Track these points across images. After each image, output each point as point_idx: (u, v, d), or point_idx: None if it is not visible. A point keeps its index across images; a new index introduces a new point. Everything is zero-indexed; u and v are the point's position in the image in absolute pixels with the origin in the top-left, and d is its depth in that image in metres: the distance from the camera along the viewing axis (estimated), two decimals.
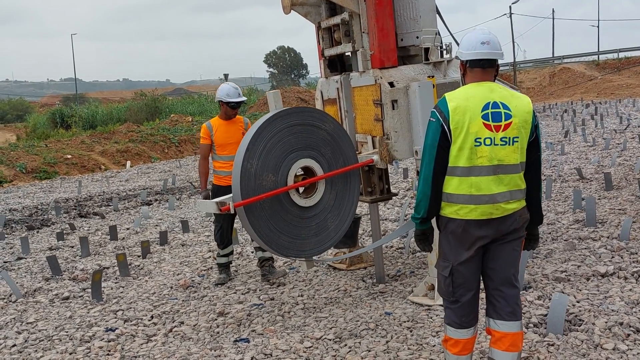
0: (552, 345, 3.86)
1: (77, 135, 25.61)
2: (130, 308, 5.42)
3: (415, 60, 5.37)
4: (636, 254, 5.56)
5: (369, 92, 5.20)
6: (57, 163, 19.66)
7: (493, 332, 3.23)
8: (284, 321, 4.86)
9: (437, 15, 5.30)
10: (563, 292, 4.71)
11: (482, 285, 3.28)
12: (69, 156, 20.39)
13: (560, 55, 53.63)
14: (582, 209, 7.49)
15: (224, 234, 6.02)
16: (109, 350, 4.45)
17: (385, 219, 8.22)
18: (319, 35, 5.81)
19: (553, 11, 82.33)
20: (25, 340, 4.76)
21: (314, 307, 5.12)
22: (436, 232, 3.36)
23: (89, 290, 5.93)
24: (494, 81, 3.23)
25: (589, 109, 26.48)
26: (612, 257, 5.55)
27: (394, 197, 7.67)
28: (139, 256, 7.54)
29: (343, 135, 4.86)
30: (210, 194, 5.89)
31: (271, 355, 4.11)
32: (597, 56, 49.01)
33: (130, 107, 36.14)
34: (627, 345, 3.80)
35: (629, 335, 3.91)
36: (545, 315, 4.26)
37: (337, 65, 5.85)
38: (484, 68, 3.18)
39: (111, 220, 10.49)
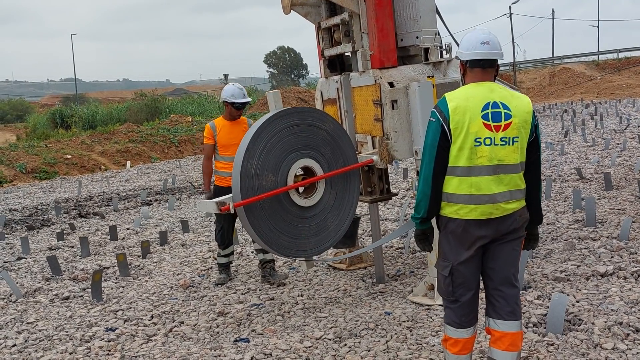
0: (552, 344, 3.86)
1: (77, 135, 25.61)
2: (130, 308, 5.42)
3: (415, 61, 5.38)
4: (636, 253, 5.56)
5: (369, 92, 5.20)
6: (57, 163, 19.66)
7: (493, 332, 3.23)
8: (283, 321, 4.86)
9: (436, 15, 5.30)
10: (563, 292, 4.72)
11: (481, 285, 3.29)
12: (69, 156, 20.39)
13: (560, 56, 53.66)
14: (581, 208, 7.50)
15: (225, 235, 6.02)
16: (109, 350, 4.45)
17: (385, 219, 8.23)
18: (319, 36, 5.82)
19: (553, 11, 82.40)
20: (26, 340, 4.76)
21: (314, 307, 5.12)
22: (436, 232, 3.36)
23: (89, 290, 5.94)
24: (494, 81, 3.23)
25: (588, 109, 26.49)
26: (612, 257, 5.55)
27: (393, 197, 7.67)
28: (139, 256, 7.54)
29: (343, 135, 4.86)
30: (213, 194, 5.88)
31: (271, 355, 4.12)
32: (597, 56, 49.03)
33: (130, 107, 36.13)
34: (627, 345, 3.80)
35: (628, 334, 3.92)
36: (545, 315, 4.26)
37: (337, 65, 5.85)
38: (484, 68, 3.18)
39: (111, 220, 10.49)
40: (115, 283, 6.35)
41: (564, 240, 6.30)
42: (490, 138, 3.06)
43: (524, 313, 4.31)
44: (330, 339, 4.31)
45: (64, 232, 9.44)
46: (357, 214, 6.52)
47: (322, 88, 6.02)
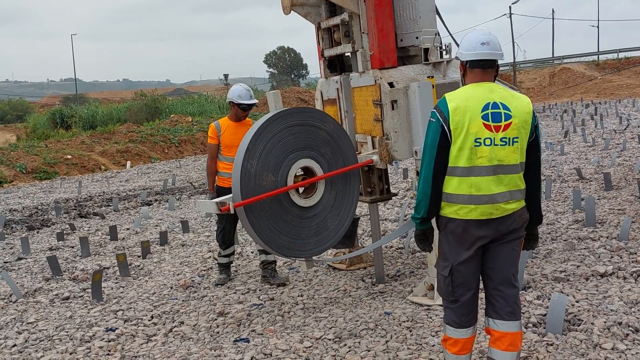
0: (551, 345, 3.87)
1: (77, 135, 25.61)
2: (131, 308, 5.43)
3: (415, 61, 5.38)
4: (635, 254, 5.57)
5: (369, 93, 5.21)
6: (57, 163, 19.67)
7: (492, 332, 3.24)
8: (283, 321, 4.86)
9: (436, 15, 5.31)
10: (562, 292, 4.72)
11: (481, 285, 3.29)
12: (69, 156, 20.40)
13: (560, 56, 53.68)
14: (581, 209, 7.50)
15: (226, 235, 6.00)
16: (109, 350, 4.46)
17: (385, 219, 8.23)
18: (319, 36, 5.82)
19: (553, 11, 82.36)
20: (26, 340, 4.77)
21: (314, 307, 5.13)
22: (436, 232, 3.36)
23: (89, 290, 5.94)
24: (494, 81, 3.24)
25: (588, 109, 26.50)
26: (611, 257, 5.56)
27: (393, 197, 7.67)
28: (139, 256, 7.55)
29: (343, 135, 4.86)
30: (217, 195, 5.85)
31: (271, 355, 4.12)
32: (597, 56, 49.06)
33: (130, 107, 36.10)
34: (626, 345, 3.81)
35: (627, 335, 3.92)
36: (545, 315, 4.26)
37: (336, 65, 5.85)
38: (484, 68, 3.19)
39: (111, 221, 10.50)
40: (116, 283, 6.36)
41: (564, 240, 6.31)
42: (490, 138, 3.07)
43: (523, 313, 4.32)
44: (330, 339, 4.31)
45: (64, 232, 9.45)
46: (357, 215, 6.52)
47: (322, 88, 6.02)
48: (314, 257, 4.78)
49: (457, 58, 3.44)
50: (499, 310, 3.21)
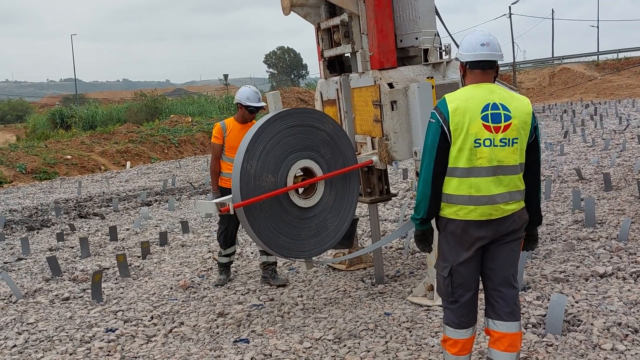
0: (551, 345, 3.87)
1: (76, 135, 25.61)
2: (130, 309, 5.43)
3: (415, 61, 5.39)
4: (635, 254, 5.57)
5: (369, 93, 5.21)
6: (57, 164, 19.67)
7: (492, 333, 3.24)
8: (283, 322, 4.87)
9: (436, 16, 5.31)
10: (562, 293, 4.72)
11: (481, 286, 3.30)
12: (69, 157, 20.40)
13: (560, 56, 53.69)
14: (581, 209, 7.50)
15: (228, 236, 5.98)
16: (109, 351, 4.46)
17: (385, 220, 8.24)
18: (319, 36, 5.82)
19: (553, 11, 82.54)
20: (26, 341, 4.77)
21: (314, 308, 5.13)
22: (436, 233, 3.37)
23: (89, 290, 5.94)
24: (493, 82, 3.24)
25: (588, 110, 26.51)
26: (611, 257, 5.56)
27: (393, 198, 7.67)
28: (138, 257, 7.55)
29: (342, 136, 4.87)
30: (220, 195, 5.82)
31: (271, 355, 4.12)
32: (596, 56, 49.07)
33: (130, 107, 36.09)
34: (626, 346, 3.81)
35: (627, 335, 3.93)
36: (544, 315, 4.27)
37: (336, 66, 5.85)
38: (483, 69, 3.19)
39: (111, 221, 10.50)
40: (115, 284, 6.36)
41: (563, 240, 6.31)
42: (489, 139, 3.07)
43: (523, 314, 4.32)
44: (329, 340, 4.32)
45: (64, 232, 9.45)
46: (356, 215, 6.53)
47: (322, 89, 6.02)
48: (313, 258, 4.78)
49: (456, 59, 3.45)
50: (498, 311, 3.21)
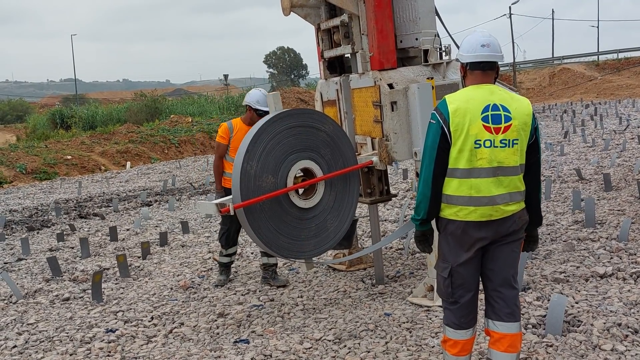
0: (551, 346, 3.87)
1: (77, 136, 25.61)
2: (131, 309, 5.43)
3: (415, 62, 5.39)
4: (635, 254, 5.57)
5: (369, 94, 5.21)
6: (57, 164, 19.67)
7: (492, 333, 3.24)
8: (283, 322, 4.87)
9: (436, 16, 5.31)
10: (562, 293, 4.73)
11: (481, 286, 3.30)
12: (69, 157, 20.40)
13: (560, 56, 53.68)
14: (581, 209, 7.50)
15: (230, 237, 5.96)
16: (109, 352, 4.46)
17: (385, 220, 8.24)
18: (319, 37, 5.83)
19: (553, 11, 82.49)
20: (26, 341, 4.77)
21: (314, 308, 5.13)
22: (436, 234, 3.37)
23: (89, 291, 5.94)
24: (494, 83, 3.24)
25: (588, 110, 26.51)
26: (611, 258, 5.56)
27: (393, 198, 7.68)
28: (139, 257, 7.55)
29: (342, 136, 4.87)
30: (224, 195, 5.80)
31: (271, 356, 4.13)
32: (596, 57, 49.07)
33: (130, 107, 36.10)
34: (625, 346, 3.81)
35: (627, 336, 3.93)
36: (544, 316, 4.27)
37: (336, 66, 5.86)
38: (484, 70, 3.20)
39: (111, 221, 10.50)
40: (116, 284, 6.36)
41: (564, 241, 6.31)
42: (490, 140, 3.07)
43: (523, 314, 4.32)
44: (329, 340, 4.32)
45: (64, 233, 9.45)
46: (355, 216, 6.53)
47: (322, 89, 6.03)
48: (313, 259, 4.78)
49: (457, 60, 3.45)
50: (498, 312, 3.21)
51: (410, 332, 4.34)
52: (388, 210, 8.99)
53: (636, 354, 3.71)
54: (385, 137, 5.05)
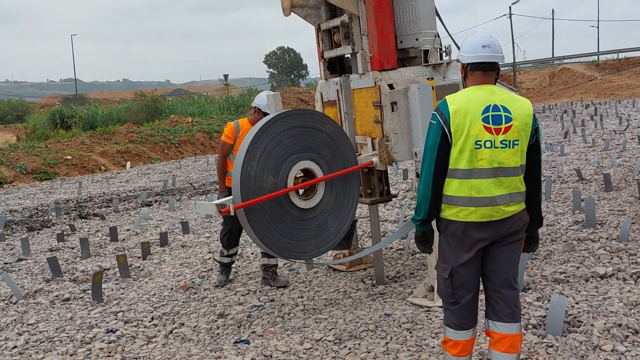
0: (551, 346, 3.87)
1: (77, 136, 25.63)
2: (131, 309, 5.43)
3: (415, 62, 5.39)
4: (635, 255, 5.57)
5: (369, 94, 5.21)
6: (57, 164, 19.67)
7: (492, 334, 3.24)
8: (283, 322, 4.87)
9: (436, 17, 5.31)
10: (562, 294, 4.73)
11: (481, 287, 3.30)
12: (69, 157, 20.41)
13: (560, 56, 53.70)
14: (581, 210, 7.50)
15: (232, 237, 5.95)
16: (110, 352, 4.46)
17: (385, 220, 8.24)
18: (319, 37, 5.83)
19: (553, 12, 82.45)
20: (26, 342, 4.77)
21: (314, 309, 5.13)
22: (436, 234, 3.37)
23: (90, 291, 5.94)
24: (494, 84, 3.24)
25: (588, 110, 26.51)
26: (611, 258, 5.56)
27: (393, 199, 7.67)
28: (139, 257, 7.55)
29: (343, 137, 4.87)
30: (228, 194, 5.77)
31: (271, 356, 4.13)
32: (597, 57, 49.07)
33: (130, 107, 36.11)
34: (626, 347, 3.81)
35: (627, 336, 3.93)
36: (544, 316, 4.27)
37: (336, 67, 5.86)
38: (484, 71, 3.20)
39: (111, 222, 10.50)
40: (116, 284, 6.36)
41: (564, 241, 6.31)
42: (490, 141, 3.07)
43: (523, 315, 4.32)
44: (330, 341, 4.32)
45: (64, 233, 9.45)
46: (355, 216, 6.53)
47: (322, 90, 6.03)
48: (314, 259, 4.78)
49: (457, 60, 3.45)
50: (498, 312, 3.21)
51: (410, 333, 4.34)
52: (388, 210, 8.99)
53: (636, 355, 3.71)
54: (386, 138, 5.05)
